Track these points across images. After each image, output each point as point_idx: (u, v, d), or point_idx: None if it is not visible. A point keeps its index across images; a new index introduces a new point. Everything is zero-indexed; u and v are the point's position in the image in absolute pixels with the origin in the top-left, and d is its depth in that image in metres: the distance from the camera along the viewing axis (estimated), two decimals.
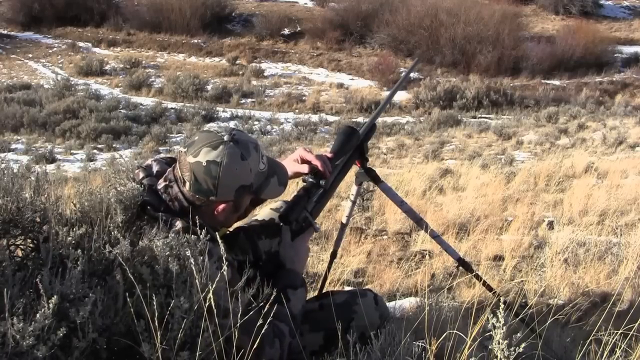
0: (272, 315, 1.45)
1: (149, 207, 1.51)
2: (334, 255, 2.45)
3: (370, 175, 2.06)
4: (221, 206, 1.56)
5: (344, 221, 2.30)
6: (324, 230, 3.84)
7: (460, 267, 2.18)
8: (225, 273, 1.31)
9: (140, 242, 1.42)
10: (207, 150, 1.50)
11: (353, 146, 1.95)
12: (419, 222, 2.14)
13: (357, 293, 1.82)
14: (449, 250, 2.17)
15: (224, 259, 1.32)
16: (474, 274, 2.14)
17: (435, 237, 2.16)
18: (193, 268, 1.31)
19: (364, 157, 2.03)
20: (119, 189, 1.50)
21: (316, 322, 1.72)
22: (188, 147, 1.54)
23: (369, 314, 1.74)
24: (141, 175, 1.61)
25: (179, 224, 1.48)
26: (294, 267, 1.74)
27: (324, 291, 2.30)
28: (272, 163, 1.66)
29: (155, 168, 1.66)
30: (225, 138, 1.52)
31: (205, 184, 1.50)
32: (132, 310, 1.29)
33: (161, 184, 1.57)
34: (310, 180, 1.81)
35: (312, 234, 1.86)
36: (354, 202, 2.24)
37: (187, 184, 1.51)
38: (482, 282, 2.16)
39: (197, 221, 1.44)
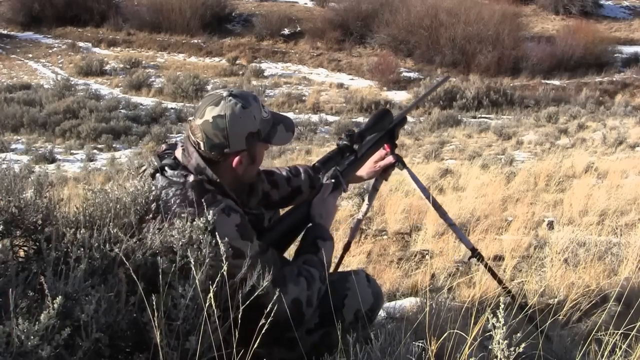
0: (302, 261, 1.67)
1: (166, 168, 1.61)
2: (347, 247, 2.48)
3: (398, 160, 2.19)
4: (236, 158, 1.64)
5: (364, 210, 2.41)
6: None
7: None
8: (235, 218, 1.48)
9: (148, 237, 1.44)
10: (210, 108, 1.61)
11: (385, 126, 2.10)
12: (439, 210, 2.23)
13: (349, 272, 1.88)
14: (463, 240, 2.24)
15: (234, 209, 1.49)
16: (485, 265, 2.18)
17: (452, 225, 2.24)
18: (192, 262, 1.32)
19: (393, 143, 2.17)
20: (130, 189, 1.52)
21: None
22: (195, 114, 1.65)
23: (361, 291, 1.79)
24: (164, 147, 1.73)
25: (191, 178, 1.58)
26: (322, 221, 1.83)
27: None
28: (275, 113, 1.77)
29: (178, 145, 1.76)
30: (224, 94, 1.64)
31: (216, 139, 1.60)
32: (136, 303, 1.31)
33: (179, 151, 1.68)
34: (345, 142, 1.93)
35: (341, 193, 1.96)
36: (376, 189, 2.34)
37: (201, 143, 1.61)
38: (492, 273, 2.20)
39: (212, 177, 1.59)
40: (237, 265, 1.44)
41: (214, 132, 1.60)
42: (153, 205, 1.56)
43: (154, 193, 1.56)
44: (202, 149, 1.62)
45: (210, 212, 1.46)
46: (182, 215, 1.50)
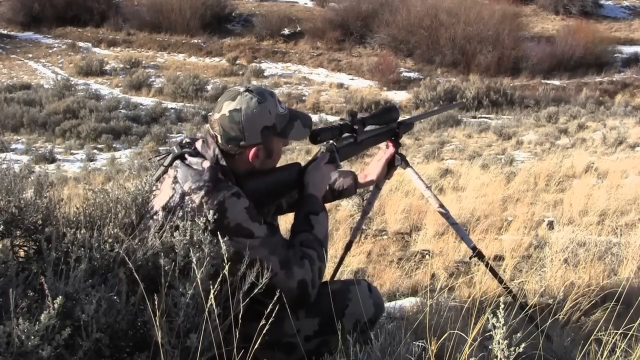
0: (299, 243, 1.70)
1: (186, 155, 1.68)
2: (348, 246, 2.47)
3: (401, 158, 2.21)
4: (252, 151, 1.70)
5: (366, 209, 2.41)
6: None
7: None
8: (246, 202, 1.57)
9: (148, 238, 1.44)
10: (227, 103, 1.69)
11: (389, 121, 2.13)
12: (441, 208, 2.22)
13: (352, 281, 1.87)
14: (465, 238, 2.23)
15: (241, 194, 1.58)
16: (485, 263, 2.17)
17: (454, 224, 2.22)
18: (194, 261, 1.33)
19: (397, 141, 2.19)
20: (130, 189, 1.53)
21: (312, 307, 1.74)
22: (214, 109, 1.73)
23: (363, 301, 1.79)
24: (187, 140, 1.78)
25: (207, 164, 1.64)
26: (315, 191, 1.84)
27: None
28: (293, 110, 1.82)
29: (199, 138, 1.82)
30: (241, 90, 1.72)
31: (232, 132, 1.67)
32: (136, 302, 1.32)
33: (199, 143, 1.76)
34: (346, 121, 1.98)
35: (334, 169, 1.97)
36: (379, 188, 2.34)
37: (219, 137, 1.69)
38: (492, 273, 2.20)
39: (227, 169, 1.66)
40: (250, 245, 1.53)
41: (230, 125, 1.67)
42: (172, 192, 1.60)
43: (174, 185, 1.61)
44: (220, 142, 1.69)
45: (222, 194, 1.56)
46: (195, 196, 1.57)
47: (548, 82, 25.67)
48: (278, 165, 1.85)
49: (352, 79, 26.75)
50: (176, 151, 1.70)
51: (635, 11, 34.32)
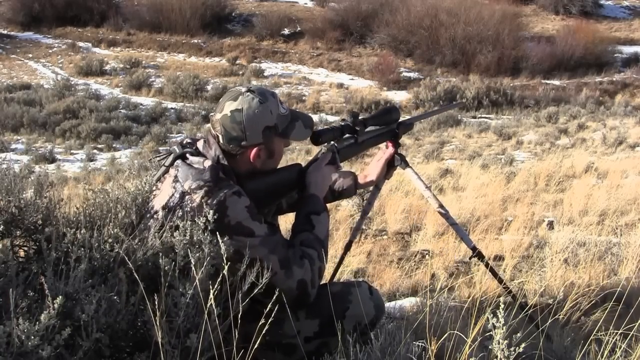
0: (300, 242, 1.70)
1: (187, 155, 1.69)
2: (348, 246, 2.47)
3: (401, 158, 2.22)
4: (254, 151, 1.71)
5: (366, 209, 2.41)
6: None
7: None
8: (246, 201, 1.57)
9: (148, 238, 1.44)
10: (229, 103, 1.69)
11: (389, 122, 2.14)
12: (440, 209, 2.21)
13: (352, 283, 1.87)
14: (464, 238, 2.23)
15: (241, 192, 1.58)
16: (485, 263, 2.17)
17: (453, 224, 2.22)
18: (193, 262, 1.33)
19: (396, 142, 2.19)
20: (130, 189, 1.53)
21: (312, 309, 1.75)
22: (215, 109, 1.74)
23: (364, 303, 1.78)
24: (188, 140, 1.79)
25: (208, 163, 1.64)
26: (316, 192, 1.84)
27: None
28: (294, 110, 1.83)
29: (200, 138, 1.83)
30: (243, 90, 1.72)
31: (234, 132, 1.68)
32: (136, 302, 1.32)
33: (200, 143, 1.77)
34: (348, 122, 1.98)
35: (335, 170, 1.98)
36: (379, 188, 2.35)
37: (220, 137, 1.70)
38: (492, 273, 2.19)
39: (228, 168, 1.66)
40: (250, 244, 1.54)
41: (231, 125, 1.67)
42: (172, 191, 1.60)
43: (175, 184, 1.61)
44: (221, 142, 1.70)
45: (222, 192, 1.56)
46: (195, 195, 1.57)
47: (548, 82, 25.67)
48: (279, 166, 1.85)
49: (352, 79, 26.75)
50: (177, 151, 1.70)
51: (635, 11, 34.32)
